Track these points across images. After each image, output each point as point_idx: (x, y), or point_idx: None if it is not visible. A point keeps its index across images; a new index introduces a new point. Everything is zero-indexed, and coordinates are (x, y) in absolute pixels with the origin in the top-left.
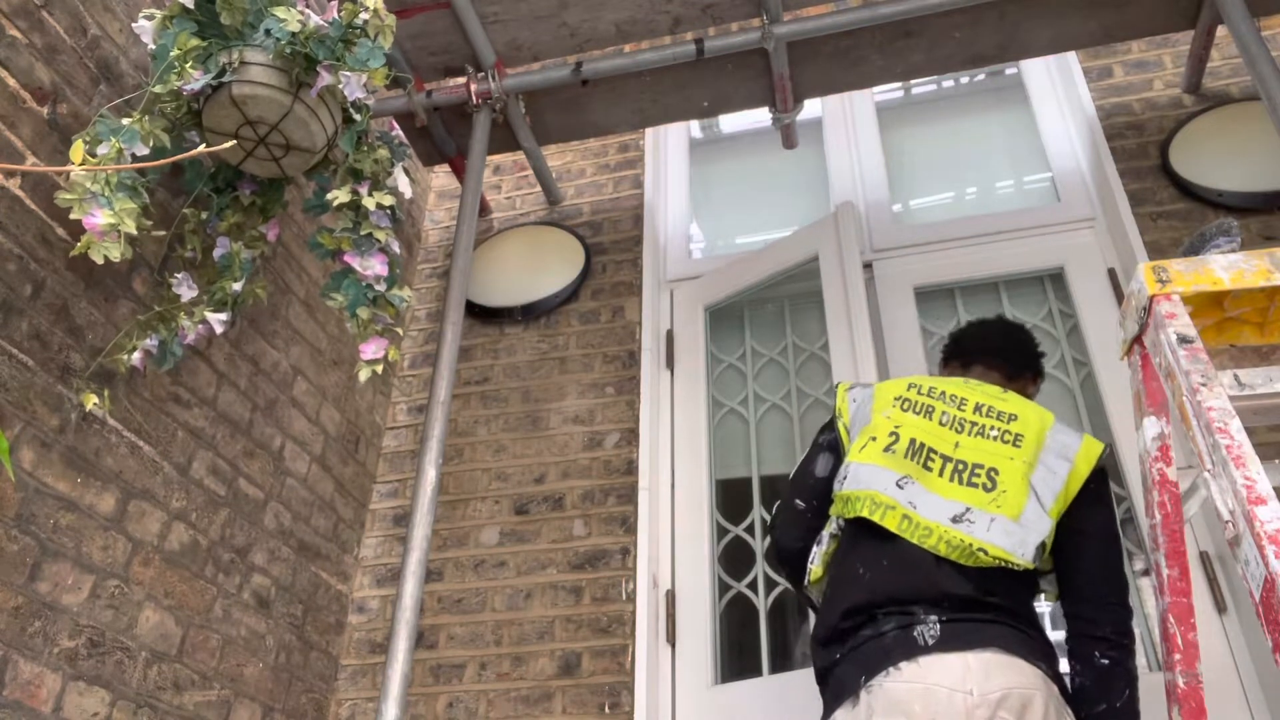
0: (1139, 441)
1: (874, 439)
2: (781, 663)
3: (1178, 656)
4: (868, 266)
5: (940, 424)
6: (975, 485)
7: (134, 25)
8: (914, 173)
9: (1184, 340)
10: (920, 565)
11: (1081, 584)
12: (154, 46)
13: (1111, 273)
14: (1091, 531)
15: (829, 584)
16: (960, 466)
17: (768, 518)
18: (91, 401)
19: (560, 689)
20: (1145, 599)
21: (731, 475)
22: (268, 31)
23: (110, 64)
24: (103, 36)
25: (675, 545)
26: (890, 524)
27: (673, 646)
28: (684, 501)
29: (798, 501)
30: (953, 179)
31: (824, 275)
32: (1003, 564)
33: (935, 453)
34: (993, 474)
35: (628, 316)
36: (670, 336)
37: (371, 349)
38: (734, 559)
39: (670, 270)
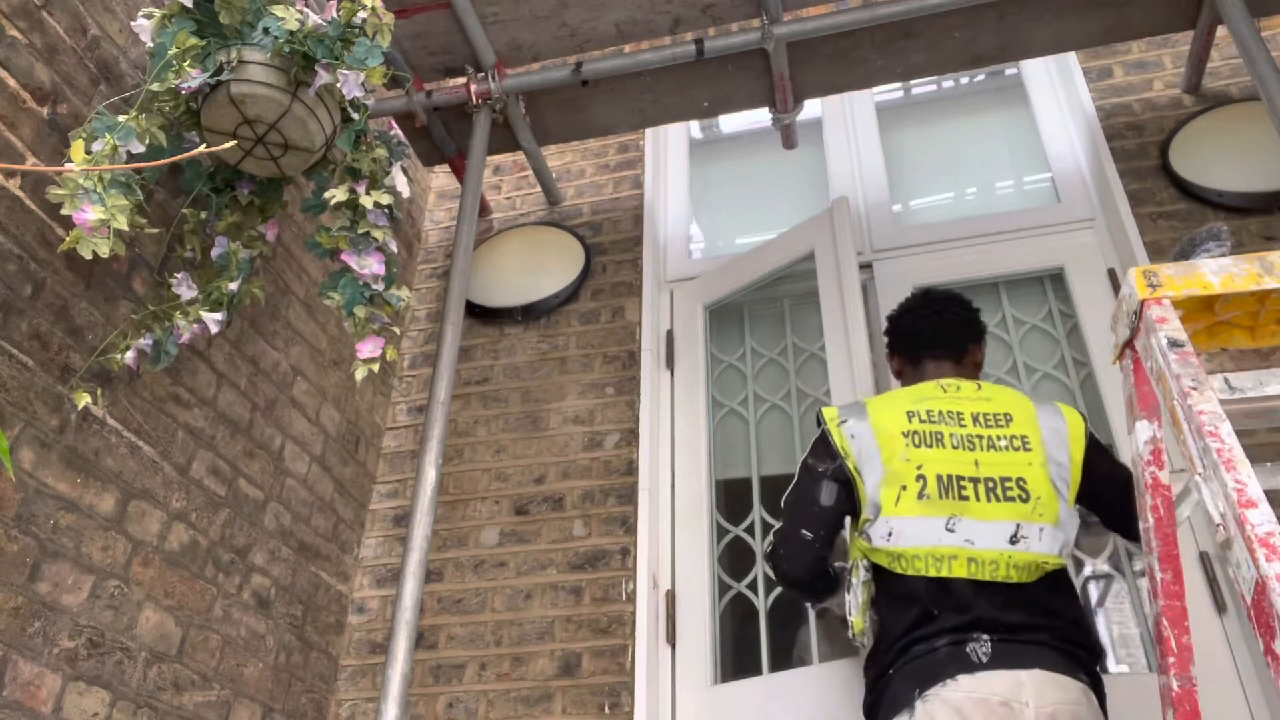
0: (1131, 445)
1: (904, 488)
2: (781, 662)
3: (1172, 660)
4: (868, 267)
5: (953, 448)
6: (1013, 499)
7: (133, 24)
8: (914, 173)
9: (1174, 344)
10: (962, 594)
11: (1129, 508)
12: (152, 45)
13: (1111, 273)
14: (1119, 475)
15: (877, 630)
16: (991, 484)
17: (768, 518)
18: (84, 400)
19: (560, 689)
20: (1145, 599)
21: (731, 475)
22: (266, 30)
23: (110, 64)
24: (103, 37)
25: (675, 545)
26: (959, 573)
27: (673, 646)
28: (684, 501)
29: (804, 533)
30: (953, 179)
31: (819, 270)
32: (1058, 568)
33: (963, 479)
34: (1021, 483)
35: (628, 316)
36: (670, 336)
37: (368, 348)
38: (734, 559)
39: (670, 270)
